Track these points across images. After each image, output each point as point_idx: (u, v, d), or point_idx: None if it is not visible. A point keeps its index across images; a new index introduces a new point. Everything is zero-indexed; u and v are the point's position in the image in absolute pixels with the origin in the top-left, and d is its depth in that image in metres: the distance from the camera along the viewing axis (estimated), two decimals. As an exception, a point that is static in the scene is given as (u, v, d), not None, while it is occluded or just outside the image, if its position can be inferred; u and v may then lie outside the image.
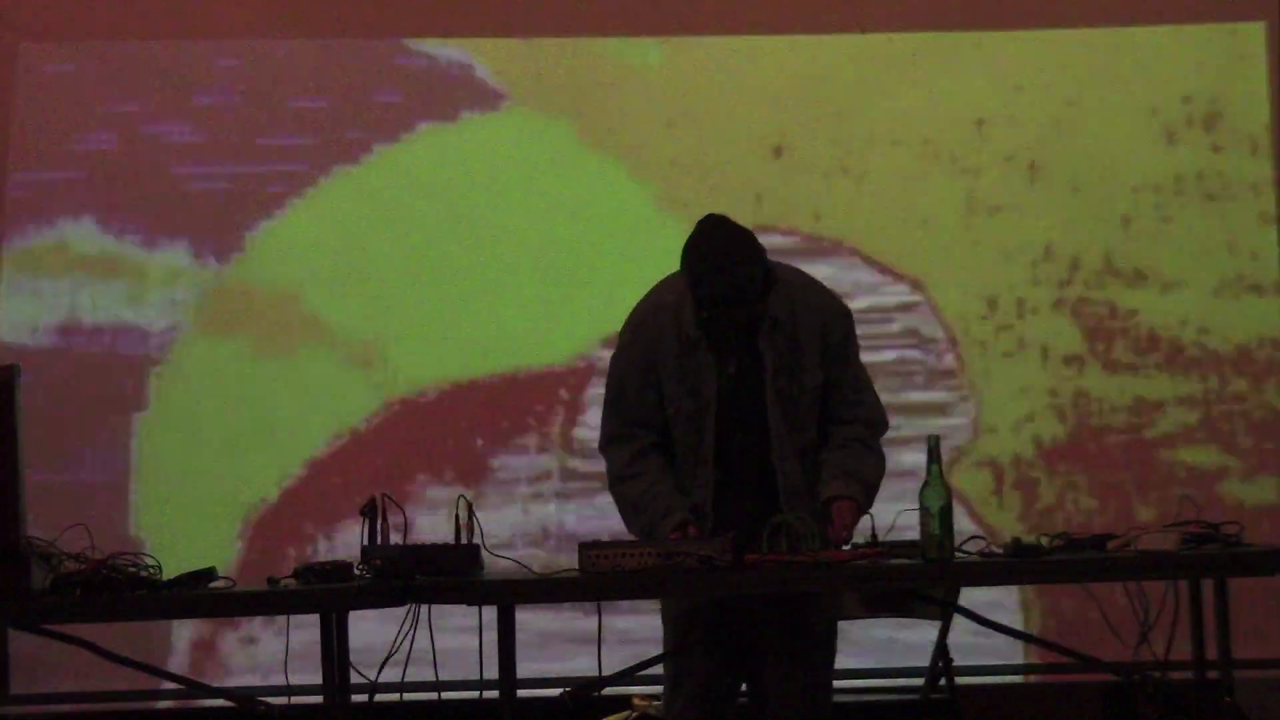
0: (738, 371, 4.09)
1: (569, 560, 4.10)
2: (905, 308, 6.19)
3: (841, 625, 4.43)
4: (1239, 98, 6.25)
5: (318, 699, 3.88)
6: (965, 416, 6.14)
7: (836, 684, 4.29)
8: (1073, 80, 6.28)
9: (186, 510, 6.05)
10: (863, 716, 5.12)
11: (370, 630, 4.18)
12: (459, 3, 6.35)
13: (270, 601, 4.00)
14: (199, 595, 3.90)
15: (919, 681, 5.09)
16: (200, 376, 6.15)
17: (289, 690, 4.15)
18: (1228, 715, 4.10)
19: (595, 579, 3.87)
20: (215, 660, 6.01)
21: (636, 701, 5.50)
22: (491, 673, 3.83)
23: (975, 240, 6.23)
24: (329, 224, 6.23)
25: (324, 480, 6.10)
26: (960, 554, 3.97)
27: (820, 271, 4.43)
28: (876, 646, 5.87)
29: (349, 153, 6.25)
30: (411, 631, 4.01)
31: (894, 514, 4.07)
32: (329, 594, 3.87)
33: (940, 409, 6.12)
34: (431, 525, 5.85)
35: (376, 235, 6.22)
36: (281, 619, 4.33)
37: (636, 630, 5.20)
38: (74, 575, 3.79)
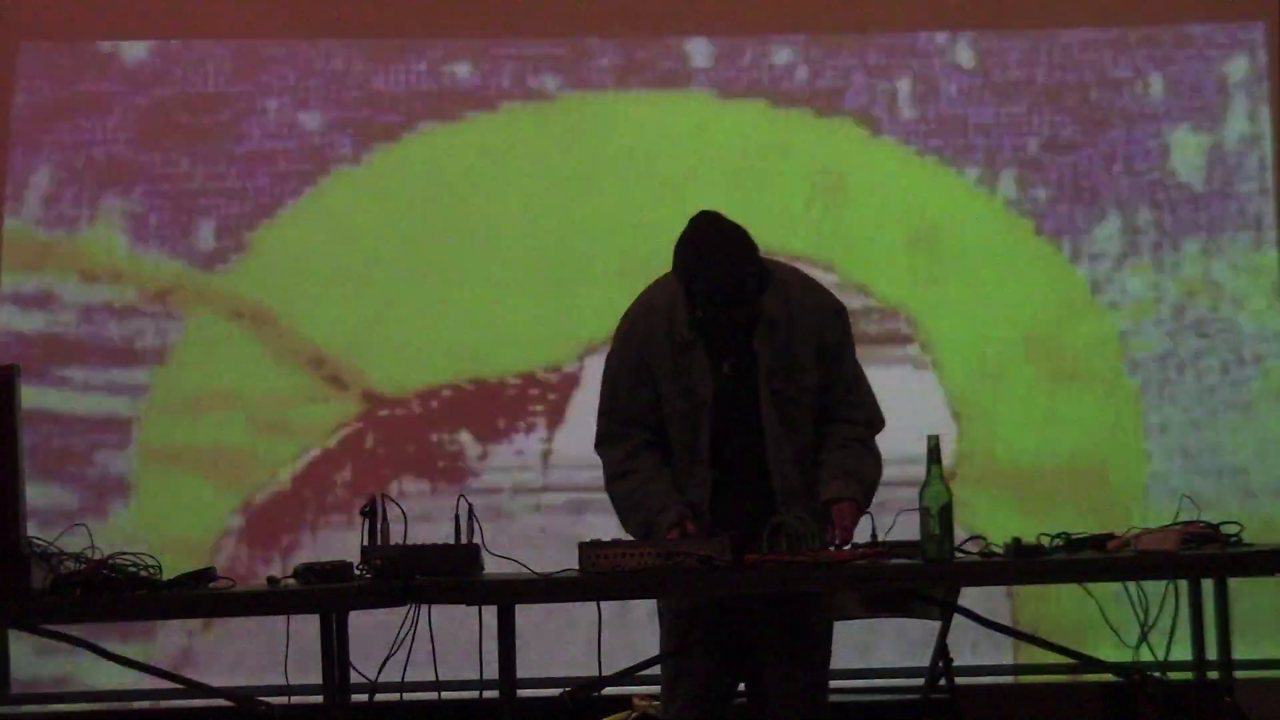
0: (733, 371, 4.09)
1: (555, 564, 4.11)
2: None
3: (841, 625, 4.43)
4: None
5: (318, 699, 3.89)
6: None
7: (836, 684, 4.29)
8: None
9: (186, 509, 6.06)
10: (863, 716, 5.12)
11: (370, 632, 4.19)
12: (459, 2, 6.35)
13: (270, 601, 4.00)
14: (199, 595, 3.90)
15: (919, 681, 5.09)
16: (199, 376, 6.15)
17: (289, 690, 4.15)
18: (1228, 715, 4.10)
19: (595, 579, 3.87)
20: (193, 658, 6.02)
21: (636, 701, 5.50)
22: (491, 672, 3.83)
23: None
24: (329, 224, 6.22)
25: (324, 476, 6.10)
26: (960, 554, 3.97)
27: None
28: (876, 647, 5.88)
29: (349, 153, 6.25)
30: (411, 631, 4.01)
31: (894, 514, 4.08)
32: (329, 594, 3.88)
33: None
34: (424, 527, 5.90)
35: (376, 235, 6.22)
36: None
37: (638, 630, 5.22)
38: (74, 575, 3.80)
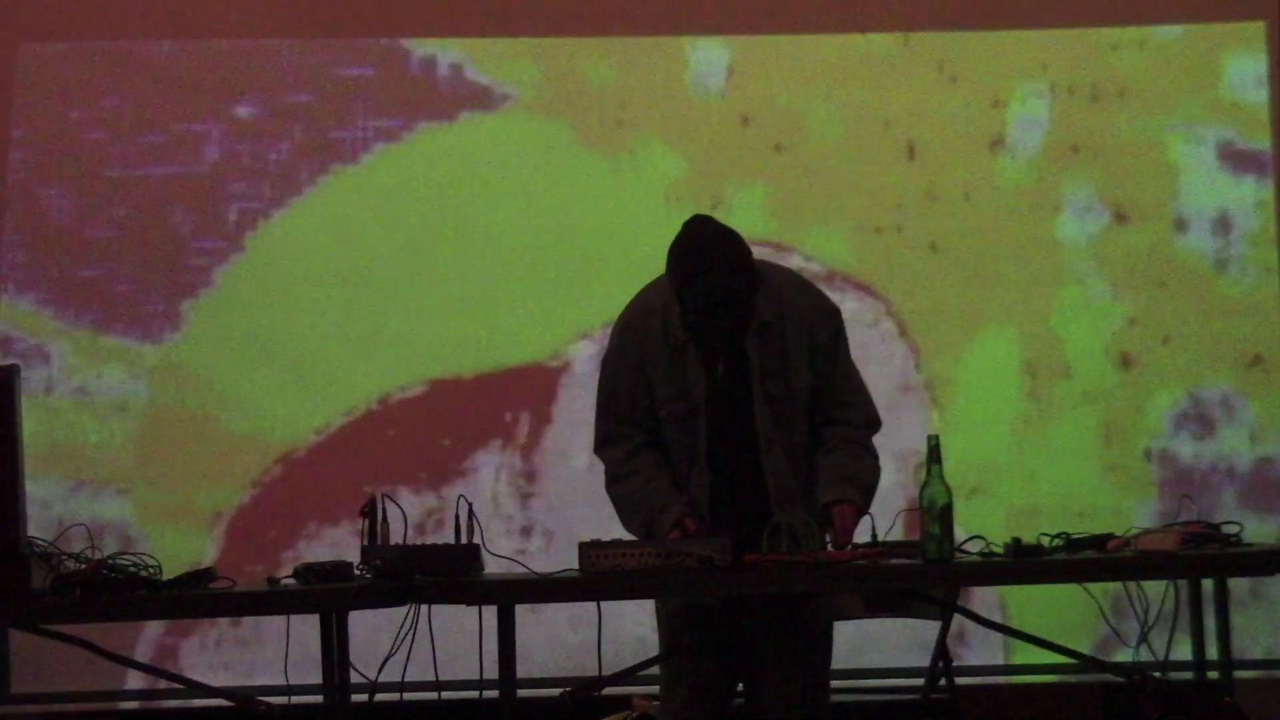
0: (727, 373, 4.09)
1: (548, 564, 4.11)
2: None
3: (841, 625, 4.44)
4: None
5: (318, 699, 3.89)
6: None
7: (836, 684, 4.29)
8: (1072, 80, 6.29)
9: (184, 509, 6.06)
10: (863, 716, 5.13)
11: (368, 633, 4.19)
12: (458, 2, 6.34)
13: (270, 601, 4.00)
14: (199, 595, 3.90)
15: (919, 681, 5.09)
16: (198, 376, 6.14)
17: (289, 690, 4.15)
18: (1228, 715, 4.10)
19: (595, 579, 3.87)
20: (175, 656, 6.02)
21: (636, 701, 5.50)
22: (491, 672, 3.84)
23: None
24: (328, 224, 6.22)
25: (321, 473, 6.10)
26: (960, 554, 3.97)
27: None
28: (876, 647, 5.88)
29: (349, 152, 6.25)
30: (411, 631, 4.01)
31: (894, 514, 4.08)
32: (329, 594, 3.88)
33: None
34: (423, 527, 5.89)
35: (376, 235, 6.21)
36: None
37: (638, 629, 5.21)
38: (74, 575, 3.80)
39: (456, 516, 4.01)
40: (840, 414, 4.18)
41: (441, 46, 6.30)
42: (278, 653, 4.16)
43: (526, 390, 6.13)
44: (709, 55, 6.29)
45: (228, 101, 6.25)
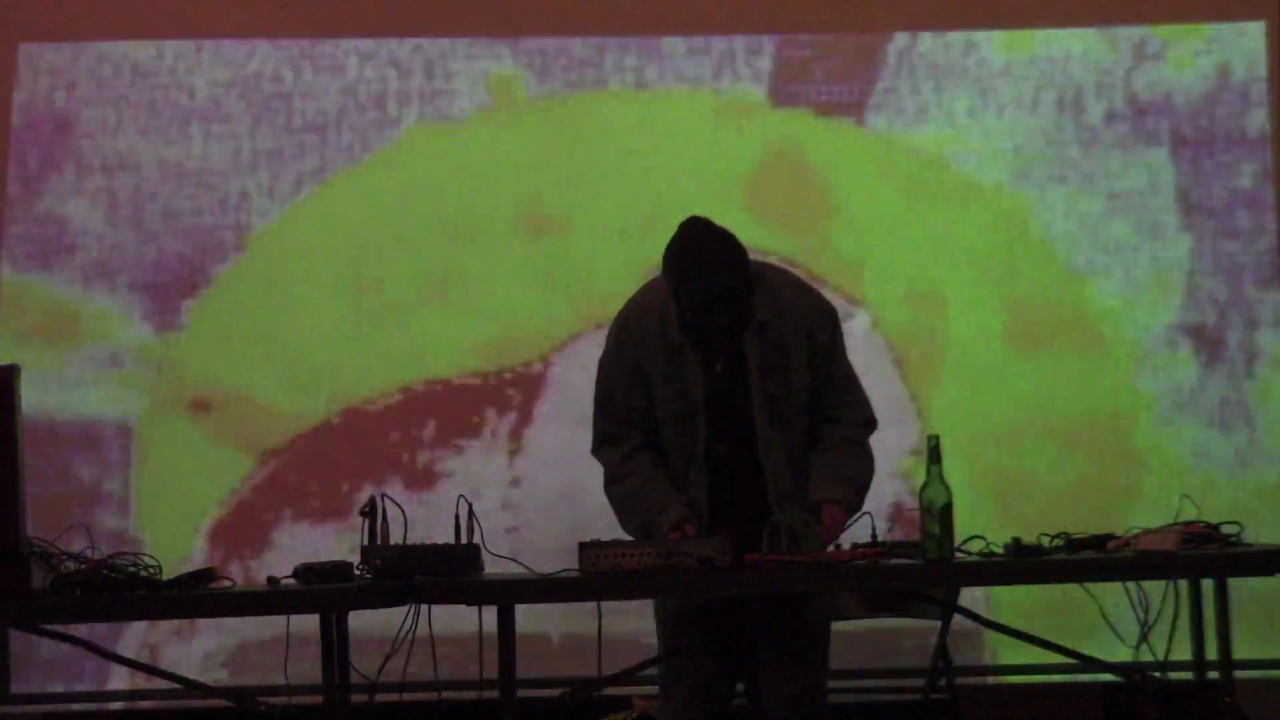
0: (725, 373, 4.09)
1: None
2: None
3: (841, 625, 4.44)
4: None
5: (318, 699, 3.89)
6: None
7: (836, 684, 4.29)
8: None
9: (182, 508, 6.07)
10: (863, 716, 5.13)
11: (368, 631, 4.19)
12: (458, 2, 6.34)
13: (270, 601, 4.00)
14: (199, 595, 3.90)
15: (919, 681, 5.09)
16: (198, 376, 6.14)
17: (289, 690, 4.15)
18: (1228, 715, 4.10)
19: (595, 579, 3.87)
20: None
21: (637, 701, 5.50)
22: (491, 672, 3.84)
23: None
24: (328, 224, 6.22)
25: (321, 473, 6.10)
26: (960, 554, 3.97)
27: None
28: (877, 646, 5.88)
29: (349, 152, 6.25)
30: (411, 631, 4.01)
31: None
32: (329, 594, 3.87)
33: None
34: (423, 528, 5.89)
35: (375, 235, 6.21)
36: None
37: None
38: (74, 575, 3.79)
39: (456, 517, 4.01)
40: (838, 414, 4.19)
41: (442, 47, 6.30)
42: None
43: (527, 390, 6.14)
44: (709, 56, 6.30)
45: (227, 101, 6.25)
